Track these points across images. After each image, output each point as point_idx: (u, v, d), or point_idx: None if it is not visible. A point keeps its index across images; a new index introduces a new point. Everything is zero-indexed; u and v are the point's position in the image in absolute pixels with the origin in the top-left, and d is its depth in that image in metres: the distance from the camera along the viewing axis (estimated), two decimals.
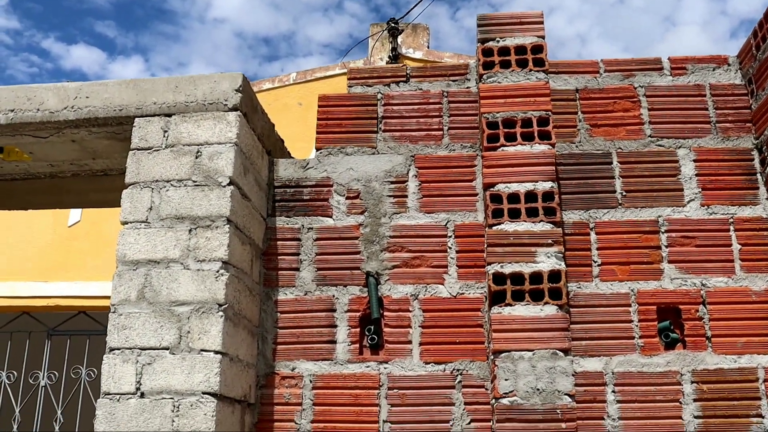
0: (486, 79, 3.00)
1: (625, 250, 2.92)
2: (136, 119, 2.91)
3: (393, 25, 7.72)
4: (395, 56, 7.84)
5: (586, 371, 2.77)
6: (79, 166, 3.43)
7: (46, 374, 5.88)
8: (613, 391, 2.74)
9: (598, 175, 3.02)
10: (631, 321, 2.82)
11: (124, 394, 2.54)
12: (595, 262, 2.90)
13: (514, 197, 2.80)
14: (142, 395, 2.53)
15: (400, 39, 7.93)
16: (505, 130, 2.90)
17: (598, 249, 2.92)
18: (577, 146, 3.06)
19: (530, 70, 2.97)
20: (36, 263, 7.11)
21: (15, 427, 6.01)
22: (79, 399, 5.85)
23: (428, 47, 7.99)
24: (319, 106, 3.27)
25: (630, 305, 2.84)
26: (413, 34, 8.01)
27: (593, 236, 2.94)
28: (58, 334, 6.02)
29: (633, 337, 2.80)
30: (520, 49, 3.01)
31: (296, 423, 2.84)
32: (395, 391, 2.83)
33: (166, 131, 2.86)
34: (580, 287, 2.87)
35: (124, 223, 2.76)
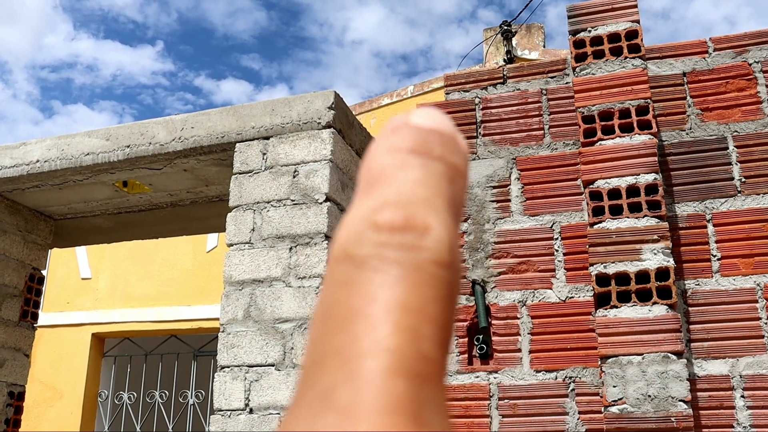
0: (579, 71, 2.87)
1: (748, 241, 2.70)
2: (237, 144, 3.00)
3: (506, 27, 7.57)
4: (510, 59, 7.69)
5: (710, 375, 2.57)
6: (195, 194, 3.58)
7: (194, 393, 6.16)
8: (743, 396, 2.53)
9: (712, 162, 2.81)
10: (758, 318, 2.60)
11: (234, 410, 2.60)
12: (714, 256, 2.70)
13: (614, 193, 2.66)
14: (251, 411, 2.58)
15: (514, 41, 7.77)
16: (602, 123, 2.77)
17: (716, 242, 2.72)
18: (687, 133, 2.87)
19: (625, 58, 2.82)
20: (179, 288, 7.49)
21: None
22: None
23: (544, 46, 7.79)
24: None
25: (757, 301, 2.62)
26: (527, 35, 7.82)
27: (711, 228, 2.74)
28: (203, 354, 6.30)
29: (762, 336, 2.57)
30: (614, 37, 2.86)
31: None
32: (506, 401, 2.74)
33: (264, 153, 2.93)
34: (698, 284, 2.68)
35: (230, 245, 2.85)
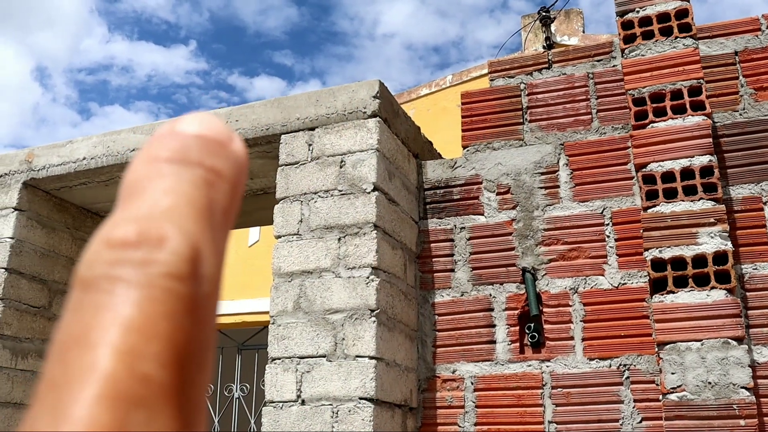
0: (628, 53, 2.81)
1: None
2: (282, 136, 2.99)
3: (544, 13, 7.48)
4: (549, 45, 7.60)
5: None
6: None
7: (238, 386, 6.20)
8: None
9: None
10: None
11: (286, 402, 2.60)
12: None
13: (668, 176, 2.61)
14: (303, 402, 2.58)
15: (553, 27, 7.67)
16: (654, 105, 2.71)
17: None
18: (741, 114, 2.80)
19: (676, 38, 2.75)
20: (222, 283, 7.50)
21: None
22: None
23: (583, 32, 7.67)
24: (462, 104, 3.22)
25: None
26: (566, 21, 7.71)
27: None
28: (248, 348, 6.33)
29: None
30: (663, 17, 2.80)
31: (459, 426, 2.79)
32: (559, 390, 2.71)
33: (310, 144, 2.92)
34: (756, 268, 2.61)
35: (278, 236, 2.84)
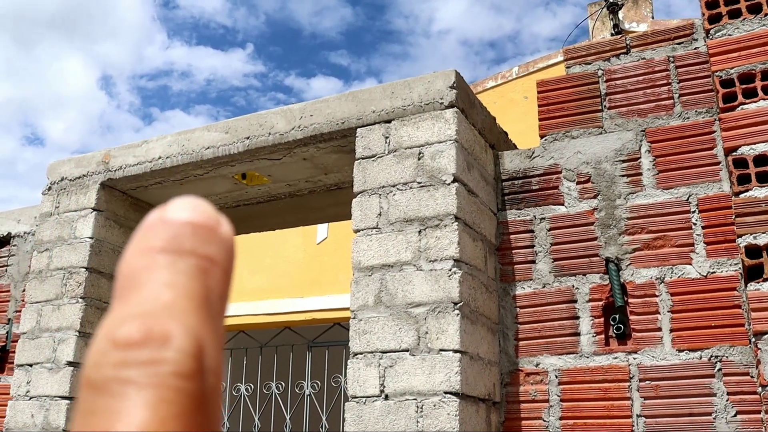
0: (714, 34, 2.72)
1: None
2: (358, 129, 2.98)
3: (612, 0, 7.32)
4: (618, 32, 7.44)
5: None
6: (313, 183, 3.60)
7: (309, 383, 6.23)
8: None
9: None
10: None
11: (369, 397, 2.59)
12: None
13: (761, 159, 2.51)
14: (386, 397, 2.56)
15: (621, 14, 7.51)
16: (743, 86, 2.61)
17: None
18: None
19: (765, 15, 2.65)
20: (292, 280, 7.59)
21: None
22: (341, 406, 6.13)
23: (653, 17, 7.49)
24: (539, 92, 3.16)
25: None
26: (634, 7, 7.54)
27: None
28: (318, 345, 6.36)
29: None
30: None
31: (544, 420, 2.74)
32: (647, 382, 2.64)
33: (387, 137, 2.90)
34: None
35: (356, 230, 2.83)
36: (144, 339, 0.24)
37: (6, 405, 3.61)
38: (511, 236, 3.02)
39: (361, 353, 2.65)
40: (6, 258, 4.45)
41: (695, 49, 2.92)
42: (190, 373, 0.24)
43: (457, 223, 2.65)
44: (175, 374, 0.24)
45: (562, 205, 2.95)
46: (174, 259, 0.26)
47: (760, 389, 2.37)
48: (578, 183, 2.94)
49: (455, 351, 2.52)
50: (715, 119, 2.78)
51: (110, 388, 0.23)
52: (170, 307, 0.25)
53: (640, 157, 2.88)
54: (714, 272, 2.66)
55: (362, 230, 2.82)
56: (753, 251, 2.43)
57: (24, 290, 4.15)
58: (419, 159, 2.79)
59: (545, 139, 3.06)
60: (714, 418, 2.51)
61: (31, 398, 3.42)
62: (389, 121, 2.92)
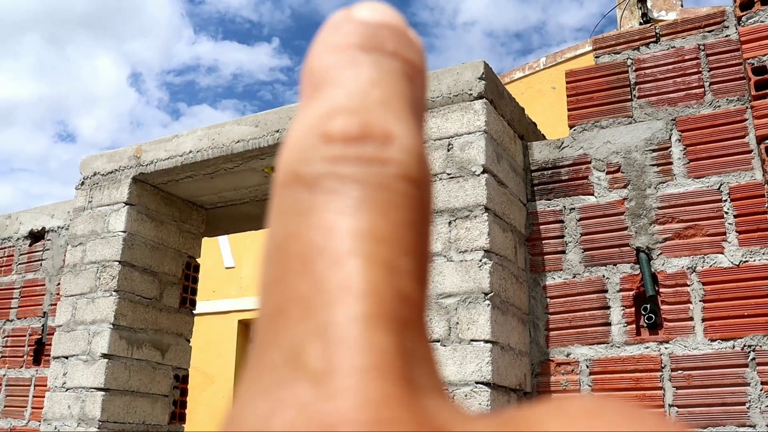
0: (745, 21, 2.70)
1: None
2: None
3: None
4: (647, 21, 7.37)
5: None
6: None
7: None
8: None
9: None
10: None
11: None
12: None
13: None
14: None
15: (649, 3, 7.44)
16: None
17: None
18: None
19: None
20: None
21: None
22: None
23: (682, 5, 7.42)
24: (567, 83, 3.16)
25: None
26: None
27: None
28: None
29: None
30: None
31: None
32: (679, 372, 2.63)
33: None
34: None
35: None
36: (362, 134, 0.20)
37: (44, 396, 3.68)
38: (541, 227, 3.02)
39: None
40: (41, 252, 4.53)
41: (726, 36, 2.90)
42: (417, 179, 0.20)
43: (487, 213, 2.66)
44: (401, 177, 0.20)
45: (592, 195, 2.94)
46: (377, 58, 0.23)
47: None
48: (608, 173, 2.93)
49: (486, 341, 2.52)
50: (747, 107, 2.76)
51: (325, 183, 0.20)
52: (386, 105, 0.21)
53: (670, 146, 2.86)
54: (746, 261, 2.64)
55: None
56: None
57: (59, 284, 4.22)
58: (448, 150, 2.80)
59: (574, 129, 3.06)
60: (748, 408, 2.50)
61: (67, 390, 3.48)
62: None
